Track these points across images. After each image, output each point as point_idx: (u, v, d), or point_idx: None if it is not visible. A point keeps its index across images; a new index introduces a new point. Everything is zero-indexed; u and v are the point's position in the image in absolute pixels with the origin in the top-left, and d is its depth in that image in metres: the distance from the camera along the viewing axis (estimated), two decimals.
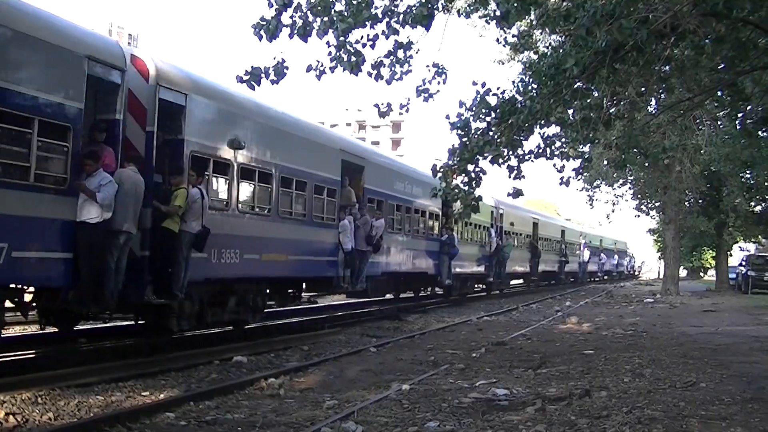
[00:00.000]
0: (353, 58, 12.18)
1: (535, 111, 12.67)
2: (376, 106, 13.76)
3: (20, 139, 11.12)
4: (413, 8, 11.99)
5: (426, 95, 13.55)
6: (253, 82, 11.85)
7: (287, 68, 11.92)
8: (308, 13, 11.68)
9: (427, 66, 13.55)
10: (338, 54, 12.18)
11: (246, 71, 11.85)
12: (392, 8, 12.13)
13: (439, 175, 14.17)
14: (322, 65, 12.42)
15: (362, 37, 12.22)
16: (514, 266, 44.09)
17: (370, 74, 12.72)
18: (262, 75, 11.80)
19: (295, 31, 11.66)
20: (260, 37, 11.61)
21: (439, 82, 13.55)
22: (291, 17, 11.62)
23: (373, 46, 12.31)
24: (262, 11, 11.82)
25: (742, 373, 13.75)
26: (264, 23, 11.59)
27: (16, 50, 11.14)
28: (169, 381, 12.69)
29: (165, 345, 15.39)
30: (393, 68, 12.80)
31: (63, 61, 12.04)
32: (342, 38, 11.89)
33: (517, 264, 45.28)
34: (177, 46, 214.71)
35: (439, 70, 13.52)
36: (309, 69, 12.50)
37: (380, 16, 12.05)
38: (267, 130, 18.20)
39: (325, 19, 11.72)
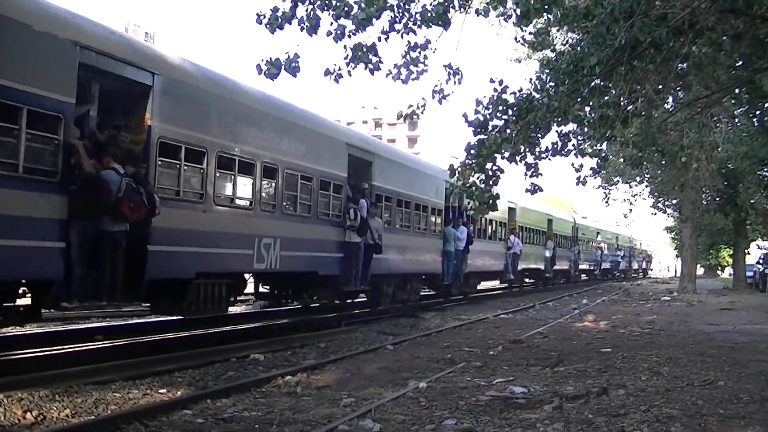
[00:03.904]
0: (371, 57, 12.21)
1: (552, 108, 12.68)
2: (399, 113, 13.85)
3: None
4: (429, 6, 12.01)
5: (440, 96, 13.59)
6: (271, 74, 11.84)
7: (298, 66, 11.89)
8: (315, 8, 11.72)
9: (445, 66, 13.59)
10: (355, 54, 12.21)
11: (266, 62, 11.83)
12: (405, 3, 12.15)
13: (457, 173, 14.19)
14: (339, 68, 12.45)
15: (380, 29, 12.28)
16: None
17: (390, 72, 12.74)
18: (282, 67, 11.79)
19: (304, 25, 11.70)
20: (268, 27, 11.67)
21: (454, 83, 13.58)
22: (306, 9, 11.67)
23: (387, 40, 12.33)
24: (274, 2, 11.96)
25: (760, 371, 13.67)
26: (272, 14, 11.64)
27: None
28: (186, 378, 12.72)
29: (180, 342, 15.49)
30: (408, 68, 12.82)
31: None
32: (358, 31, 11.90)
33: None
34: (192, 43, 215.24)
35: (454, 71, 13.54)
36: (327, 73, 12.53)
37: (394, 7, 12.07)
38: None
39: (334, 13, 11.75)
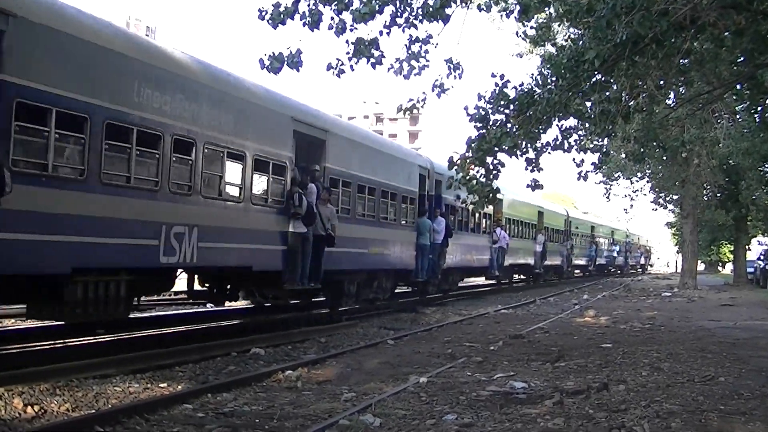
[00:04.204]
0: (373, 51, 12.24)
1: (553, 103, 12.68)
2: (399, 107, 13.90)
3: None
4: (430, 0, 12.03)
5: (440, 90, 13.64)
6: (274, 69, 11.86)
7: (301, 60, 11.91)
8: (318, 2, 11.75)
9: (445, 60, 13.62)
10: (357, 49, 12.24)
11: (269, 56, 11.84)
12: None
13: (457, 165, 14.22)
14: (341, 63, 12.49)
15: (382, 23, 12.34)
16: None
17: (392, 66, 12.79)
18: (285, 61, 11.80)
19: (306, 20, 11.71)
20: (270, 23, 11.70)
21: (455, 77, 13.63)
22: (307, 4, 11.71)
23: (389, 34, 12.37)
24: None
25: (761, 367, 13.67)
26: (274, 9, 11.67)
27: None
28: (186, 373, 12.71)
29: (180, 337, 15.50)
30: (410, 63, 12.85)
31: None
32: (360, 24, 11.94)
33: None
34: (195, 38, 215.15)
35: (455, 66, 13.58)
36: (329, 68, 12.57)
37: (396, 2, 12.09)
38: None
39: (336, 8, 11.78)
